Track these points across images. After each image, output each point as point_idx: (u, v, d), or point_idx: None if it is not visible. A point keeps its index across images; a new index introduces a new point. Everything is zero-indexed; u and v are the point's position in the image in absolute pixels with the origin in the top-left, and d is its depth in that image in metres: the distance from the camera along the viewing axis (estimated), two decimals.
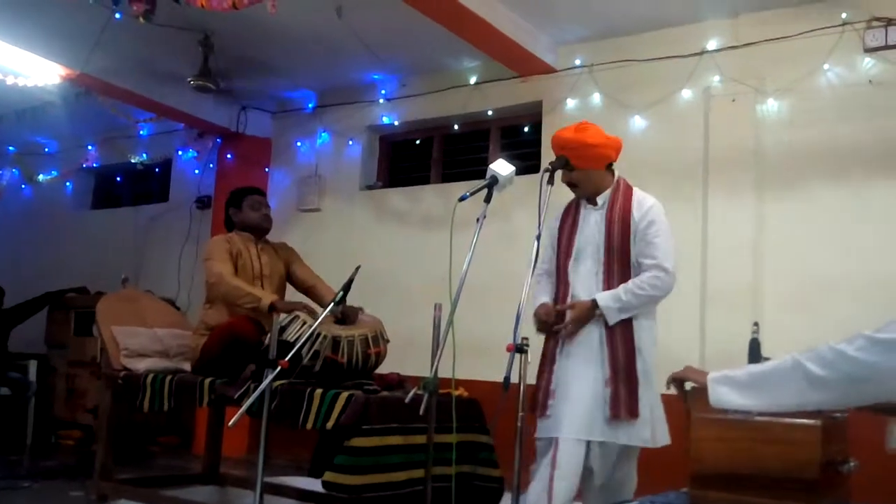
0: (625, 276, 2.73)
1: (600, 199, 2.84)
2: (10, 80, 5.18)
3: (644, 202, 2.78)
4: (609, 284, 2.73)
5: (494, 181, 2.56)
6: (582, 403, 2.65)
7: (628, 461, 2.74)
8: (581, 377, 2.68)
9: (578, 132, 2.77)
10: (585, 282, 2.77)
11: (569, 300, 2.76)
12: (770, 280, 4.12)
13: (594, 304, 2.69)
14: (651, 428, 2.67)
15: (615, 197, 2.82)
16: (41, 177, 7.38)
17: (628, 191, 2.84)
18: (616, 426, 2.63)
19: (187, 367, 3.59)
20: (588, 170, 2.78)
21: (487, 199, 2.55)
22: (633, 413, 2.62)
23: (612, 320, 2.69)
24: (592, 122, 2.89)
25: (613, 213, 2.78)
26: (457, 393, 2.78)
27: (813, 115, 4.13)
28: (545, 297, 2.86)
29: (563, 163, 2.74)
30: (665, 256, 2.71)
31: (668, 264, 2.70)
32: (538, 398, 2.73)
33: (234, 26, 4.58)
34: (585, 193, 2.86)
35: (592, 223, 2.83)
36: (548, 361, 2.78)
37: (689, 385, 1.73)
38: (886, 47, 3.96)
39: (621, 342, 2.69)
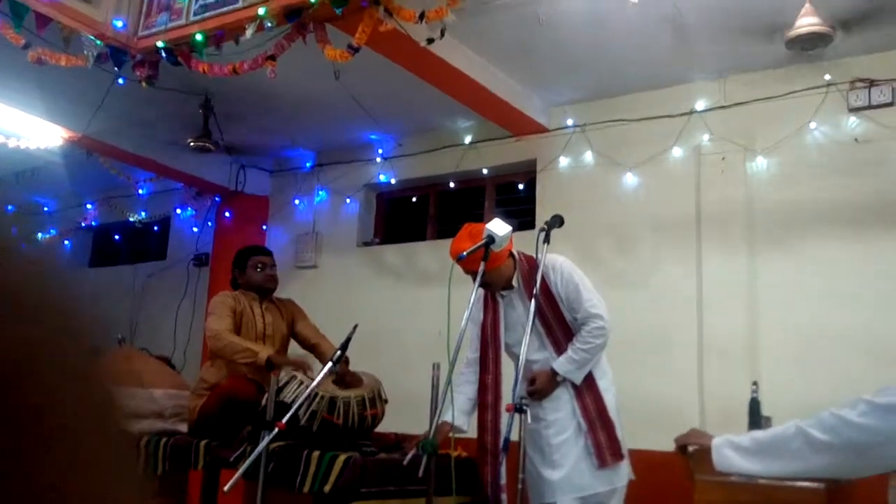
0: (568, 335, 2.87)
1: (514, 282, 2.95)
2: (12, 143, 5.25)
3: (553, 265, 2.88)
4: (560, 350, 2.87)
5: (491, 241, 2.62)
6: (569, 461, 2.77)
7: (618, 499, 2.83)
8: (560, 436, 2.81)
9: (473, 238, 2.74)
10: (537, 355, 2.88)
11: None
12: (766, 335, 4.13)
13: (553, 372, 2.84)
14: (630, 462, 2.84)
15: (525, 274, 2.94)
16: (39, 236, 7.40)
17: (531, 261, 2.95)
18: (603, 472, 2.77)
19: (183, 427, 3.55)
20: (498, 268, 2.84)
21: (485, 258, 2.60)
22: (618, 455, 2.79)
23: (578, 380, 2.84)
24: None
25: (531, 288, 2.81)
26: (455, 453, 2.75)
27: (801, 172, 4.22)
28: (468, 389, 2.92)
29: (558, 221, 2.80)
30: (592, 304, 2.86)
31: (598, 310, 2.85)
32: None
33: (234, 89, 4.68)
34: (499, 287, 2.96)
35: (517, 306, 2.95)
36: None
37: (691, 448, 1.74)
38: (870, 107, 4.07)
39: (587, 392, 2.85)
